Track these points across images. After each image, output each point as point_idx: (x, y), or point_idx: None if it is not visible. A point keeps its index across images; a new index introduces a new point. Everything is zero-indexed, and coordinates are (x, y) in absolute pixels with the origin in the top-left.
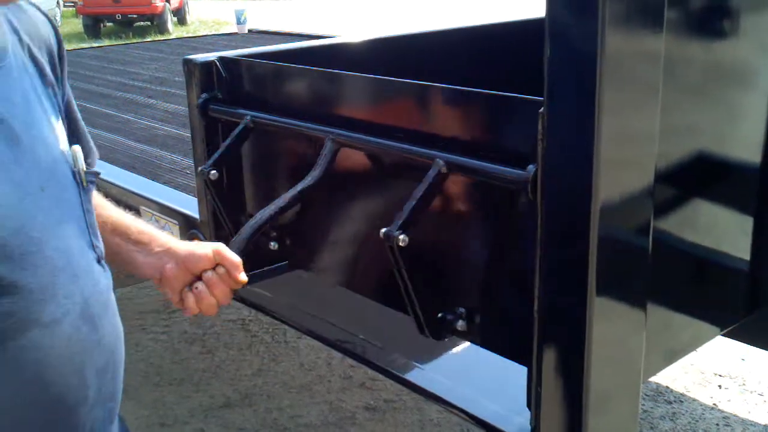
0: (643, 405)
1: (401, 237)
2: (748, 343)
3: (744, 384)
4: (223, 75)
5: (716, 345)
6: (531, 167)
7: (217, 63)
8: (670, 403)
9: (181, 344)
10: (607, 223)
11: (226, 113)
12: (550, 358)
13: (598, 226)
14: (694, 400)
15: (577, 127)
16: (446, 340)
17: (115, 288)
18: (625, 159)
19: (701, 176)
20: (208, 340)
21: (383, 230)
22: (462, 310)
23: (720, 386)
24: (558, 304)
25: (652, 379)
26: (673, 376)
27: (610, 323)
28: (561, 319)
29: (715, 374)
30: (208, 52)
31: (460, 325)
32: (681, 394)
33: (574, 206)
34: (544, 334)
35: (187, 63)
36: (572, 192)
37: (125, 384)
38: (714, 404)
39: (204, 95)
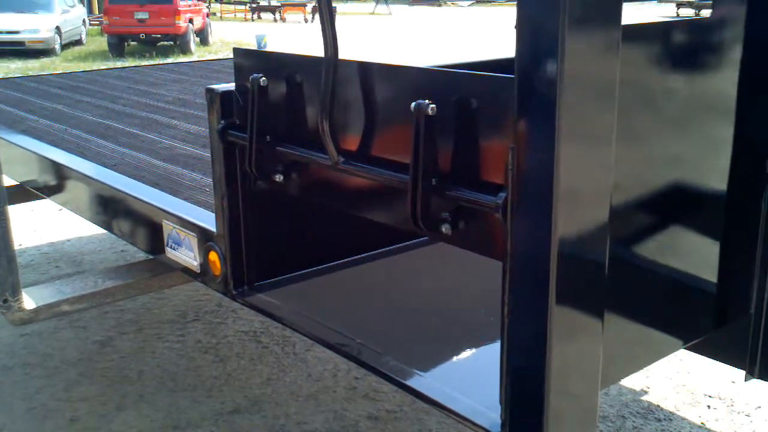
0: (634, 422)
1: (431, 107)
2: (714, 359)
3: (732, 405)
4: (241, 103)
5: (708, 368)
6: (502, 194)
7: (236, 92)
8: (659, 420)
9: (195, 353)
10: (566, 243)
11: (243, 138)
12: (514, 359)
13: (558, 245)
14: (683, 418)
15: (540, 160)
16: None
17: (133, 297)
18: (584, 186)
19: (656, 201)
20: (221, 350)
21: (414, 103)
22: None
23: (709, 406)
24: (522, 315)
25: (643, 397)
26: (663, 395)
27: (568, 332)
28: (524, 327)
29: (705, 395)
30: (228, 74)
31: (445, 227)
32: (671, 412)
33: (538, 227)
34: (509, 339)
35: (209, 92)
36: (536, 215)
37: (142, 389)
38: (702, 423)
39: (223, 122)
